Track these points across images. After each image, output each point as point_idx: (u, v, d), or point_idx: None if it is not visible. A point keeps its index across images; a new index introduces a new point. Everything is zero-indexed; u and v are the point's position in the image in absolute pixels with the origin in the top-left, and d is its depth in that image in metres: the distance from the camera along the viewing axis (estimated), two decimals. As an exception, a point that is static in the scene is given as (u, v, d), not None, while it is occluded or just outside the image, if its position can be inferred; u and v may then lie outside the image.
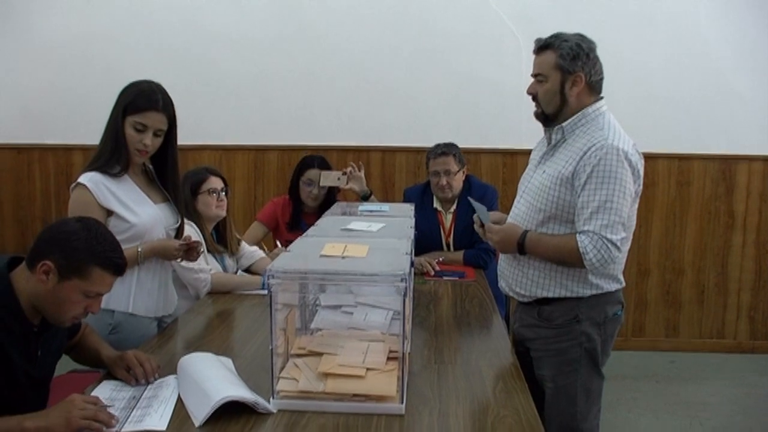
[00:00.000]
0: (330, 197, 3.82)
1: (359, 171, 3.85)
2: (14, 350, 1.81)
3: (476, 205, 2.65)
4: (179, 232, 2.65)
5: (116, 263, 1.87)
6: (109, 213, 2.41)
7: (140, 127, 2.41)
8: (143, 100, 2.41)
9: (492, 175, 4.96)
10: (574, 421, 2.43)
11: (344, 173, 3.74)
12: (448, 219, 3.80)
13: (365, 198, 3.82)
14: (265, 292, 2.93)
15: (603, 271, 2.36)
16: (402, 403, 1.81)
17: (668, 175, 4.99)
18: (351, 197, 4.05)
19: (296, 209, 3.81)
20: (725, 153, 4.95)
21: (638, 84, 4.81)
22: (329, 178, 3.70)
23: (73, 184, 2.44)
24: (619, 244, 2.26)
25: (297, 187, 3.83)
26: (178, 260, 2.65)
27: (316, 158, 3.87)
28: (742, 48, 4.85)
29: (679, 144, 4.94)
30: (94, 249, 1.82)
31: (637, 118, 4.25)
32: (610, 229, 2.24)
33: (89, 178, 2.41)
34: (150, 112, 2.40)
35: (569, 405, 2.43)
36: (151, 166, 2.61)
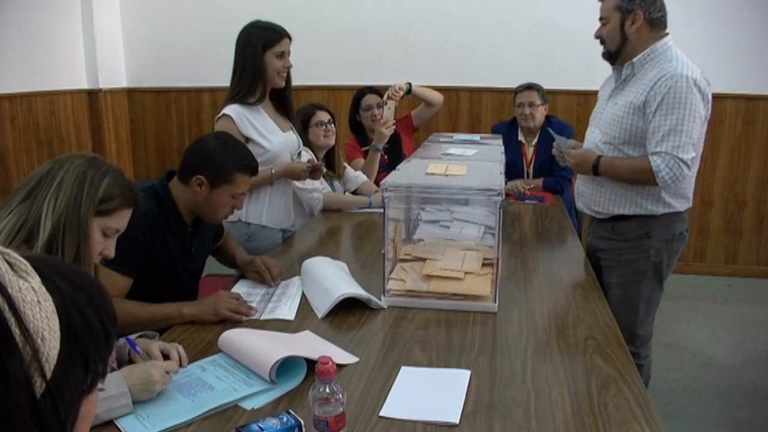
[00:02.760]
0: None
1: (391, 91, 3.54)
2: (176, 247, 1.95)
3: (557, 136, 2.62)
4: (300, 156, 2.72)
5: (252, 166, 1.99)
6: (247, 140, 2.47)
7: (280, 53, 2.51)
8: (274, 33, 2.51)
9: (567, 113, 4.79)
10: (633, 327, 2.40)
11: (385, 102, 3.48)
12: (530, 150, 3.75)
13: (409, 92, 3.66)
14: (371, 210, 3.04)
15: (674, 189, 2.30)
16: (495, 302, 1.84)
17: (735, 114, 4.70)
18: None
19: (364, 140, 3.68)
20: (791, 94, 4.61)
21: (708, 25, 4.51)
22: (387, 111, 3.45)
23: (219, 115, 2.52)
24: (689, 162, 2.21)
25: (357, 122, 3.71)
26: (303, 180, 2.72)
27: (363, 88, 3.74)
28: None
29: (746, 85, 4.62)
30: (234, 159, 1.94)
31: (706, 58, 4.01)
32: (681, 149, 2.18)
33: (233, 110, 2.49)
34: (284, 39, 2.53)
35: (631, 311, 2.40)
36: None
